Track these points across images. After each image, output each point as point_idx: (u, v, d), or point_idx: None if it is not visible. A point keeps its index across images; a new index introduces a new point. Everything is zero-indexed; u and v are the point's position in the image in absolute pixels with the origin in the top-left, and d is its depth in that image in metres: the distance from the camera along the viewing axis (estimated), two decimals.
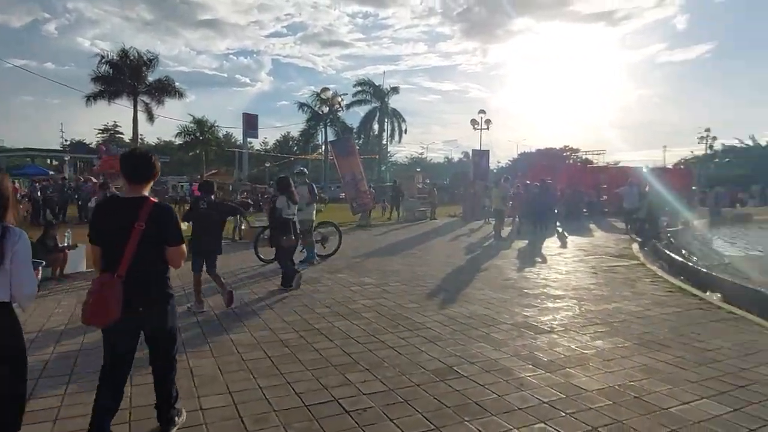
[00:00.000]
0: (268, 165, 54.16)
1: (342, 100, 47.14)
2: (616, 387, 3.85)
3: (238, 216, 11.95)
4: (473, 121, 31.33)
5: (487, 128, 31.46)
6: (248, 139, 48.39)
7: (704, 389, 3.81)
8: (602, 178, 26.95)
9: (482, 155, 28.01)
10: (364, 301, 6.74)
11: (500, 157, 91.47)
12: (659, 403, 3.55)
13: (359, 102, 49.27)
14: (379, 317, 5.92)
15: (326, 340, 5.05)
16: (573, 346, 4.86)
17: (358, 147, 24.46)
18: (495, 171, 53.29)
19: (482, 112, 31.60)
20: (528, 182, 18.29)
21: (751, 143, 62.93)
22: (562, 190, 20.78)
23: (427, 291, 7.46)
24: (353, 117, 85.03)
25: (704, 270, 9.08)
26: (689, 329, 5.47)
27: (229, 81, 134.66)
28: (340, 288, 7.60)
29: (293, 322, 5.72)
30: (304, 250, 9.61)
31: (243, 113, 47.28)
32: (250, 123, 46.47)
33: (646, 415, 3.37)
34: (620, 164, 48.15)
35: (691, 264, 9.80)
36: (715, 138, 57.16)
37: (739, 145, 62.61)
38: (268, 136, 79.43)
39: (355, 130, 49.03)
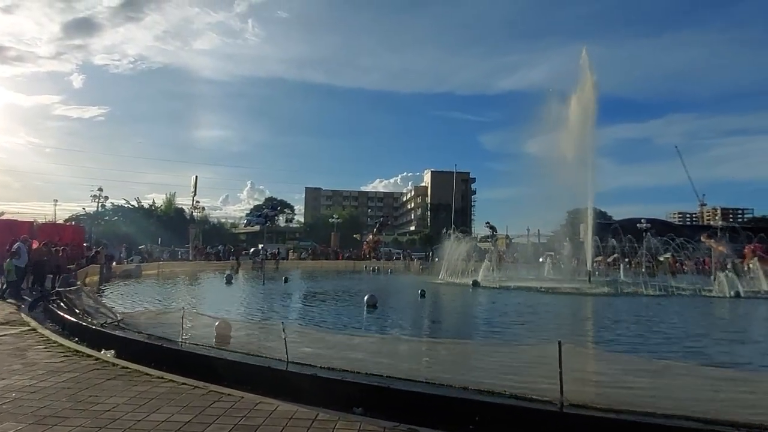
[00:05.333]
0: None
1: None
2: None
3: None
4: None
5: None
6: None
7: None
8: None
9: None
10: None
11: None
12: None
13: None
14: None
15: None
16: None
17: None
18: None
19: None
20: None
21: (136, 204, 70.50)
22: None
23: None
24: None
25: (97, 328, 9.29)
26: (87, 393, 5.46)
27: None
28: None
29: None
30: None
31: None
32: None
33: None
34: (5, 216, 43.68)
35: (84, 324, 9.80)
36: (107, 197, 59.95)
37: (126, 206, 68.76)
38: None
39: None
